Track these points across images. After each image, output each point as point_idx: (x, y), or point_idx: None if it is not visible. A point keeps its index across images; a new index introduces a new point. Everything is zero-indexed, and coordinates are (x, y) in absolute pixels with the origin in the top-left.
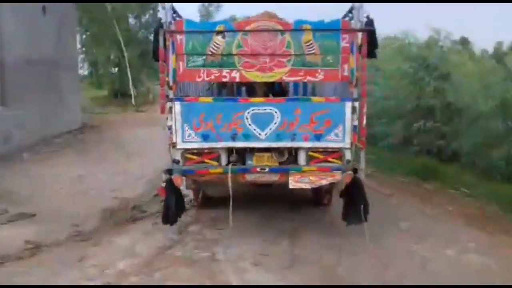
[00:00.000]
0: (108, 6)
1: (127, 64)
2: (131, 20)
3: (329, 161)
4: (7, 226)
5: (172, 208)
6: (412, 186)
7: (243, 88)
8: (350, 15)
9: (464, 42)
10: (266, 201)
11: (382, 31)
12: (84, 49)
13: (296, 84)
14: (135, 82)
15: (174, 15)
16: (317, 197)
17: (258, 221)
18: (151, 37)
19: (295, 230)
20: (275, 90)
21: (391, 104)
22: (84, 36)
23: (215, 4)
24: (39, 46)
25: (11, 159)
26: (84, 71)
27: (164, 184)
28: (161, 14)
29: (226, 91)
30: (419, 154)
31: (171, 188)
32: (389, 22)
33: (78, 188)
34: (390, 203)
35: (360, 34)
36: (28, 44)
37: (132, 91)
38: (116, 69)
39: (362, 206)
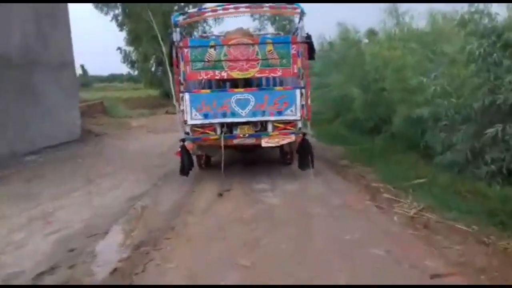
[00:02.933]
0: None
1: (167, 62)
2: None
3: (287, 129)
4: None
5: (186, 164)
6: (482, 247)
7: (227, 83)
8: (297, 32)
9: None
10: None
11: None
12: (124, 48)
13: (267, 79)
14: None
15: (181, 35)
16: (283, 158)
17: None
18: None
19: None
20: (251, 83)
21: (451, 103)
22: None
23: None
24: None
25: None
26: (134, 71)
27: (179, 149)
28: (173, 35)
29: (214, 84)
30: (493, 177)
31: (185, 151)
32: None
33: None
34: None
35: (302, 45)
36: None
37: (172, 90)
38: (160, 68)
39: (309, 157)
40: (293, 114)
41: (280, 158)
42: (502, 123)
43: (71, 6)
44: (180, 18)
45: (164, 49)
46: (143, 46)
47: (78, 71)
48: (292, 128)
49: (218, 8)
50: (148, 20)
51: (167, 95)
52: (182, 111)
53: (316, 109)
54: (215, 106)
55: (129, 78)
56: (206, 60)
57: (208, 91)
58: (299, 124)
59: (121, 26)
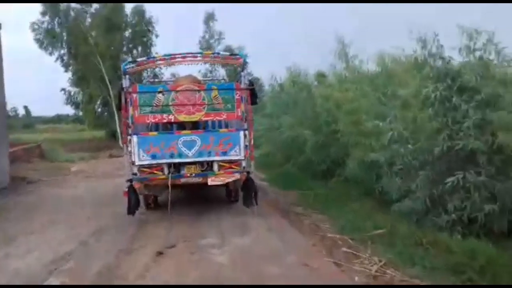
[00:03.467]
0: (91, 40)
1: (113, 103)
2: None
3: (232, 168)
4: None
5: (133, 204)
6: None
7: (174, 125)
8: (241, 79)
9: None
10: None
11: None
12: (69, 89)
13: (213, 122)
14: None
15: (130, 81)
16: (229, 195)
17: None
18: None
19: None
20: (198, 125)
21: (408, 149)
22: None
23: (216, 37)
24: None
25: None
26: (78, 112)
27: (126, 189)
28: (123, 82)
29: (161, 127)
30: (454, 226)
31: (132, 191)
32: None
33: None
34: None
35: (245, 91)
36: None
37: (118, 131)
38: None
39: (253, 194)
40: (237, 154)
41: (226, 196)
42: (462, 170)
43: (15, 44)
44: (129, 66)
45: (111, 91)
46: (90, 86)
47: (21, 112)
48: (236, 167)
49: (166, 57)
50: (95, 62)
51: (113, 135)
52: (130, 152)
53: (268, 151)
54: (162, 147)
55: (75, 119)
56: (154, 104)
57: (156, 133)
58: (243, 164)
59: (66, 66)
